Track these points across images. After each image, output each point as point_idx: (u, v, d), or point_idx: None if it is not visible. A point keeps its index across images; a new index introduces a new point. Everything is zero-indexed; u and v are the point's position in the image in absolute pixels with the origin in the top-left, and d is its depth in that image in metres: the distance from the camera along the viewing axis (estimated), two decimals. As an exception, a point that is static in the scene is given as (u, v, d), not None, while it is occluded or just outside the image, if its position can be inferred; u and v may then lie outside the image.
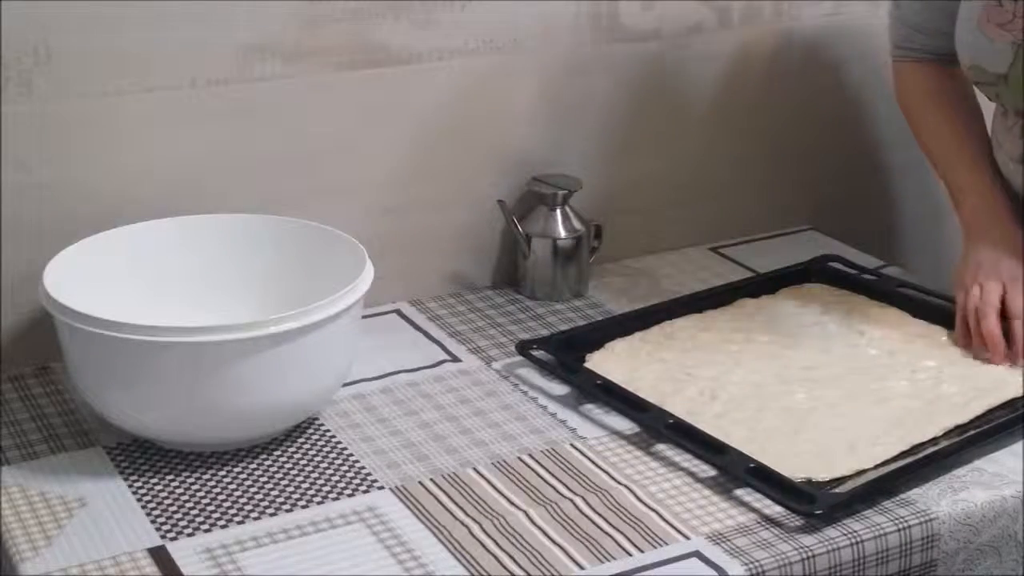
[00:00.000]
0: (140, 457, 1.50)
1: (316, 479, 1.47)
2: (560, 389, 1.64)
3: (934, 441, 1.52)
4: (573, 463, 1.50)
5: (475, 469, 1.48)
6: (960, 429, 1.54)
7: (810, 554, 1.35)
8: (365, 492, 1.44)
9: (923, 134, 1.84)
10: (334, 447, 1.52)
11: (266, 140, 1.72)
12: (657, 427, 1.53)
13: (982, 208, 1.73)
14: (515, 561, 1.33)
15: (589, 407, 1.60)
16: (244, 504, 1.42)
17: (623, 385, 1.59)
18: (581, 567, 1.33)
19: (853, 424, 1.54)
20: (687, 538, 1.37)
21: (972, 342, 1.66)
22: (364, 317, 1.58)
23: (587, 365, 1.65)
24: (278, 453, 1.51)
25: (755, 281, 1.88)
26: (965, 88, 1.79)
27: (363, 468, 1.48)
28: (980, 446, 1.50)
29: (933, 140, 1.82)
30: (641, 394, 1.58)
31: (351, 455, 1.51)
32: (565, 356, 1.66)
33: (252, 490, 1.45)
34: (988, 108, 1.79)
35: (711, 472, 1.47)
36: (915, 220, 2.16)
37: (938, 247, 2.09)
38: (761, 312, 1.79)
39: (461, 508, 1.42)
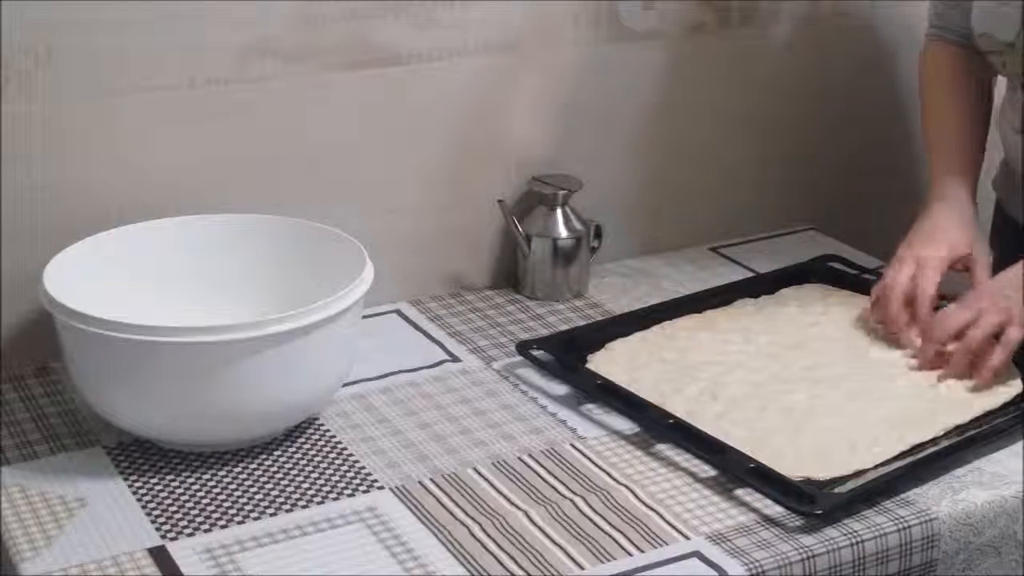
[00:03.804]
0: (140, 457, 1.50)
1: (316, 479, 1.47)
2: (560, 389, 1.63)
3: (934, 441, 1.52)
4: (573, 463, 1.49)
5: (475, 469, 1.48)
6: (960, 429, 1.54)
7: (810, 554, 1.35)
8: (365, 492, 1.44)
9: (926, 111, 1.87)
10: (334, 447, 1.52)
11: (266, 140, 1.72)
12: (657, 427, 1.53)
13: (946, 202, 1.77)
14: (515, 561, 1.33)
15: (589, 407, 1.60)
16: (244, 504, 1.42)
17: (623, 385, 1.59)
18: (581, 567, 1.33)
19: (853, 424, 1.53)
20: (687, 538, 1.37)
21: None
22: (364, 317, 1.58)
23: (587, 365, 1.65)
24: (278, 453, 1.51)
25: (755, 281, 1.88)
26: (982, 75, 1.82)
27: (363, 468, 1.48)
28: (980, 446, 1.50)
29: (932, 119, 1.85)
30: (641, 394, 1.58)
31: (351, 455, 1.51)
32: (565, 356, 1.66)
33: (252, 490, 1.45)
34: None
35: (711, 472, 1.47)
36: (915, 220, 2.16)
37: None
38: (761, 312, 1.79)
39: (461, 508, 1.42)
